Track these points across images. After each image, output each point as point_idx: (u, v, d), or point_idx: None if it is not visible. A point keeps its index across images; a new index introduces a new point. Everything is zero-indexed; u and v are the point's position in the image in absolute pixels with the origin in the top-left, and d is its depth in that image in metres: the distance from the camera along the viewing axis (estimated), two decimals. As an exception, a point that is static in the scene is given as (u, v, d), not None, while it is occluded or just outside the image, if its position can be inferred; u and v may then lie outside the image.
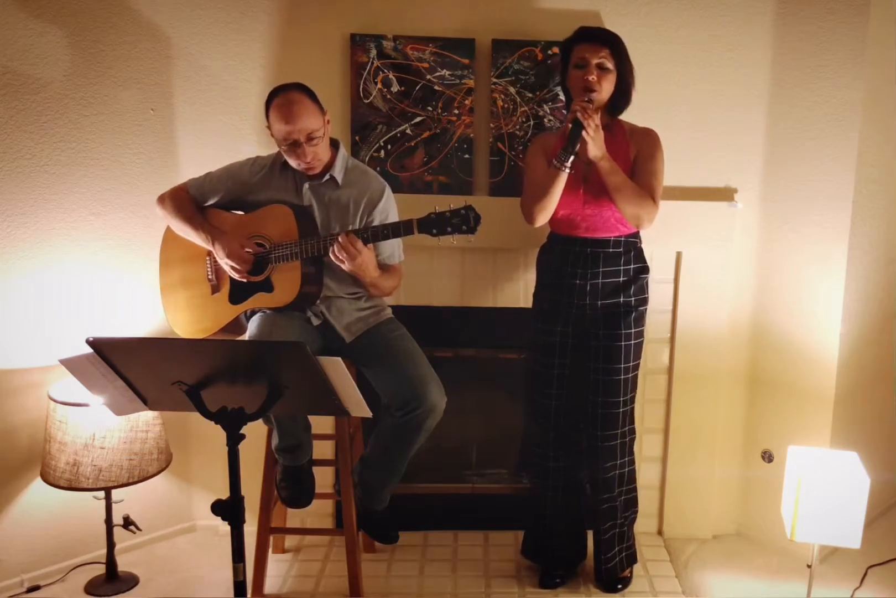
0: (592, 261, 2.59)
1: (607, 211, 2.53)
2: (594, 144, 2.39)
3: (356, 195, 2.54)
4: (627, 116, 2.60)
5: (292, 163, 2.48)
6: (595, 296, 2.60)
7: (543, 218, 2.54)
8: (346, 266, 2.39)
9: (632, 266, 2.61)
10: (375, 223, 2.52)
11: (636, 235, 2.64)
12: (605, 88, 2.45)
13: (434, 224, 2.36)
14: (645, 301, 2.66)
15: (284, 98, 2.39)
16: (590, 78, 2.42)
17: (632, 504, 2.82)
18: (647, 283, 2.66)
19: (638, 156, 2.54)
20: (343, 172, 2.54)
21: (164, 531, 3.09)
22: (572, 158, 2.41)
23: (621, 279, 2.60)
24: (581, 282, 2.60)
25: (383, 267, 2.53)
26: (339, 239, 2.35)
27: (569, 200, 2.54)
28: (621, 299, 2.61)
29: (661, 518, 3.19)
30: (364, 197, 2.53)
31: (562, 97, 2.82)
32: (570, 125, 2.39)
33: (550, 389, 2.72)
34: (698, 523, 3.17)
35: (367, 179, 2.57)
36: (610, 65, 2.45)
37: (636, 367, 2.67)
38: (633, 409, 2.72)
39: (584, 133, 2.36)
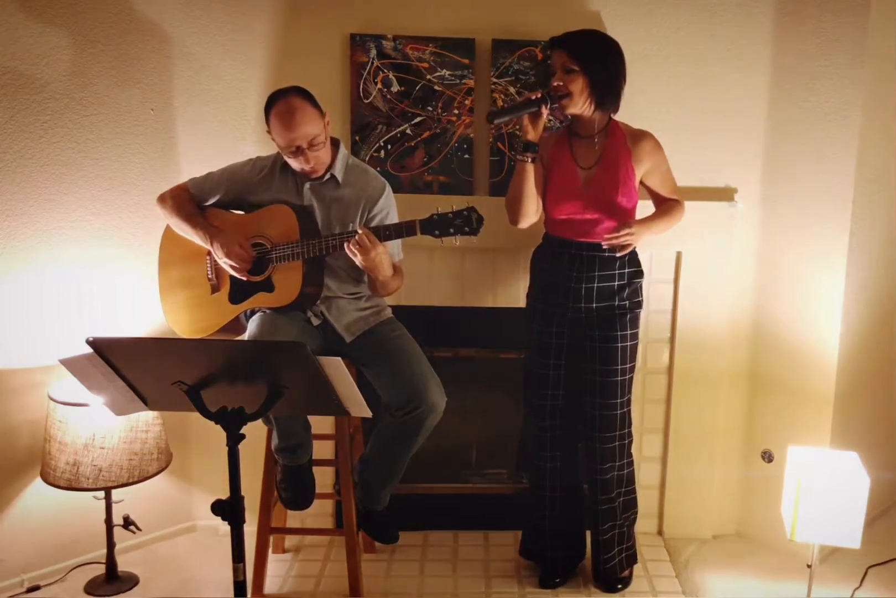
0: (588, 265, 2.59)
1: (607, 220, 2.54)
2: (645, 231, 2.53)
3: (356, 194, 2.54)
4: (629, 117, 2.60)
5: (295, 166, 2.48)
6: (590, 299, 2.60)
7: (524, 219, 2.57)
8: (359, 260, 2.37)
9: (626, 270, 2.61)
10: (375, 222, 2.52)
11: None
12: (574, 90, 2.45)
13: (436, 225, 2.36)
14: (639, 304, 2.66)
15: (285, 105, 2.38)
16: (553, 84, 2.46)
17: (631, 505, 2.82)
18: (641, 286, 2.66)
19: (651, 167, 2.56)
20: (343, 171, 2.54)
21: (164, 531, 3.09)
22: (528, 147, 2.49)
23: (616, 283, 2.60)
24: (576, 285, 2.60)
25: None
26: (359, 236, 2.33)
27: (570, 205, 2.54)
28: (616, 303, 2.61)
29: (661, 518, 3.19)
30: (364, 195, 2.53)
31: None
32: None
33: (546, 389, 2.72)
34: (698, 523, 3.17)
35: (367, 177, 2.57)
36: (573, 66, 2.45)
37: (632, 369, 2.67)
38: (629, 411, 2.72)
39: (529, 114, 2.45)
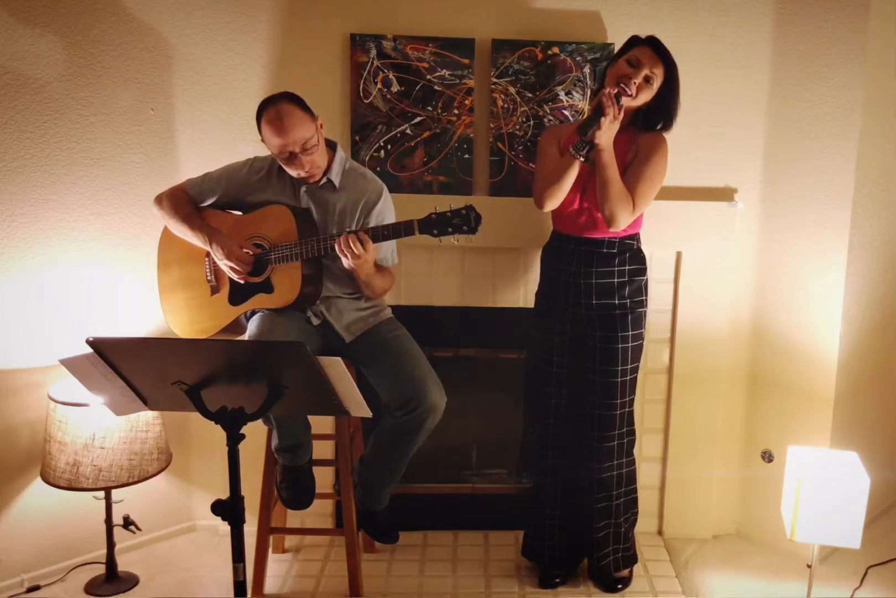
0: (587, 260, 2.59)
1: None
2: (606, 132, 2.38)
3: (353, 198, 2.53)
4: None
5: (292, 173, 2.47)
6: (589, 295, 2.60)
7: (553, 204, 2.53)
8: (346, 262, 2.38)
9: (627, 267, 2.60)
10: (371, 226, 2.51)
11: (634, 236, 2.62)
12: (639, 98, 2.44)
13: (435, 224, 2.36)
14: (642, 303, 2.65)
15: (274, 111, 2.38)
16: (634, 80, 2.41)
17: (632, 506, 2.82)
18: (644, 285, 2.65)
19: (635, 157, 2.51)
20: (340, 175, 2.53)
21: (164, 531, 3.09)
22: (588, 148, 2.41)
23: (616, 280, 2.60)
24: (575, 280, 2.60)
25: (378, 267, 2.52)
26: (350, 238, 2.33)
27: (570, 198, 2.54)
28: (616, 301, 2.60)
29: (661, 518, 3.19)
30: (361, 200, 2.53)
31: (561, 97, 2.85)
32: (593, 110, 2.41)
33: (549, 386, 2.72)
34: (698, 523, 3.17)
35: (365, 181, 2.57)
36: (656, 82, 2.44)
37: (635, 369, 2.66)
38: (631, 411, 2.71)
39: (601, 119, 2.35)
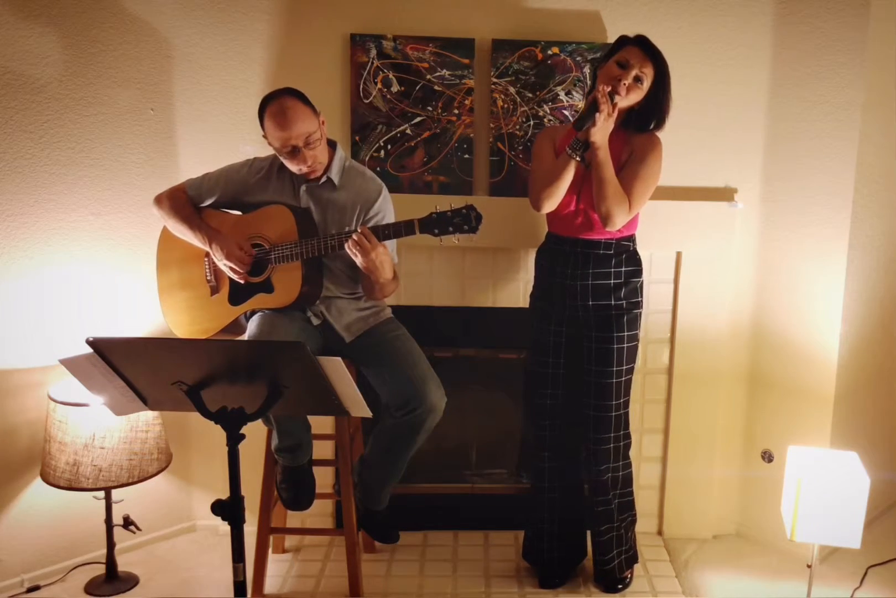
0: (583, 262, 2.58)
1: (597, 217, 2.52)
2: (601, 130, 2.37)
3: (353, 197, 2.53)
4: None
5: (293, 169, 2.47)
6: (586, 297, 2.60)
7: (551, 205, 2.52)
8: (360, 262, 2.37)
9: (623, 269, 2.60)
10: (371, 224, 2.51)
11: (630, 238, 2.62)
12: (629, 98, 2.43)
13: (436, 224, 2.36)
14: (638, 305, 2.65)
15: (277, 105, 2.38)
16: (624, 81, 2.40)
17: (628, 508, 2.81)
18: (640, 286, 2.64)
19: (630, 157, 2.51)
20: (340, 174, 2.53)
21: (164, 531, 3.09)
22: (584, 147, 2.41)
23: (612, 282, 2.59)
24: (571, 282, 2.60)
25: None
26: (354, 235, 2.34)
27: (566, 199, 2.53)
28: (612, 302, 2.60)
29: (661, 518, 3.19)
30: (360, 198, 2.53)
31: (561, 97, 2.85)
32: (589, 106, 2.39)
33: (546, 388, 2.72)
34: (698, 523, 3.17)
35: (364, 180, 2.57)
36: (646, 81, 2.43)
37: (630, 370, 2.66)
38: (627, 413, 2.70)
39: (595, 115, 2.34)
